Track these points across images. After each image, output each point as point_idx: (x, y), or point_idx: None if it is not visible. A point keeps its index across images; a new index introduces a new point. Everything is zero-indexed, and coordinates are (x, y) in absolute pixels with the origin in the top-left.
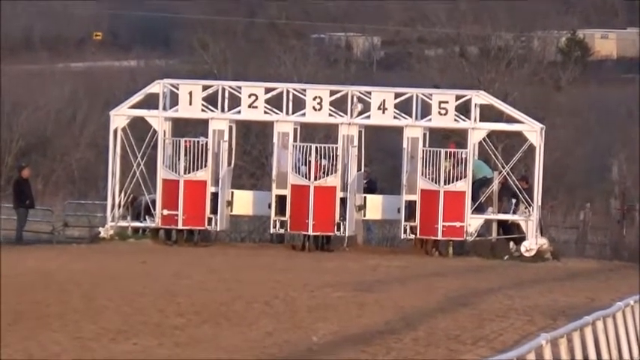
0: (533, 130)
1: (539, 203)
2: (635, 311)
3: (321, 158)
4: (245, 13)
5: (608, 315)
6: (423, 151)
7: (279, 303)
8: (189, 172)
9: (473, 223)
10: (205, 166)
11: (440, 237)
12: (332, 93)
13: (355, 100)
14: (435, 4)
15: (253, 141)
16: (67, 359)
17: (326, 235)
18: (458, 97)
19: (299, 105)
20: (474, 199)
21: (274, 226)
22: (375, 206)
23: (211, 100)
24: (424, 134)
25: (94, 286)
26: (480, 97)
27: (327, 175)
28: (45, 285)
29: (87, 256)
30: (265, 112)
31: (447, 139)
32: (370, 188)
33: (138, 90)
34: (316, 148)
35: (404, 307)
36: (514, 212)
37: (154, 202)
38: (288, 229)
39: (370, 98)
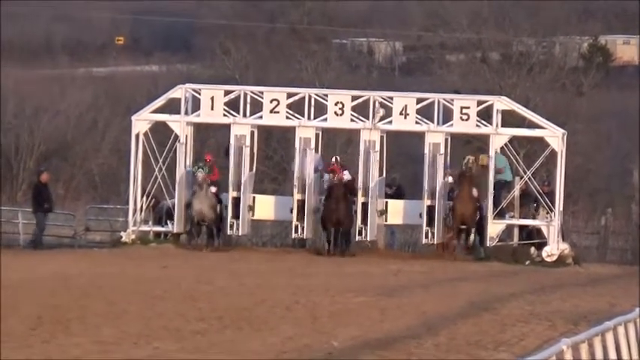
0: (554, 136)
1: (561, 208)
2: None
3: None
4: (266, 18)
5: (630, 320)
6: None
7: (300, 308)
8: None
9: (494, 228)
10: None
11: None
12: (354, 98)
13: (377, 105)
14: (456, 10)
15: (275, 146)
16: None
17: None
18: (479, 103)
19: (321, 110)
20: (496, 204)
21: (296, 231)
22: (397, 211)
23: (233, 105)
24: (446, 139)
25: (115, 291)
26: (501, 103)
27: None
28: (66, 289)
29: (108, 260)
30: (287, 117)
31: (469, 144)
32: (399, 194)
33: (159, 95)
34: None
35: (425, 312)
36: (534, 217)
37: (174, 206)
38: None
39: (392, 103)
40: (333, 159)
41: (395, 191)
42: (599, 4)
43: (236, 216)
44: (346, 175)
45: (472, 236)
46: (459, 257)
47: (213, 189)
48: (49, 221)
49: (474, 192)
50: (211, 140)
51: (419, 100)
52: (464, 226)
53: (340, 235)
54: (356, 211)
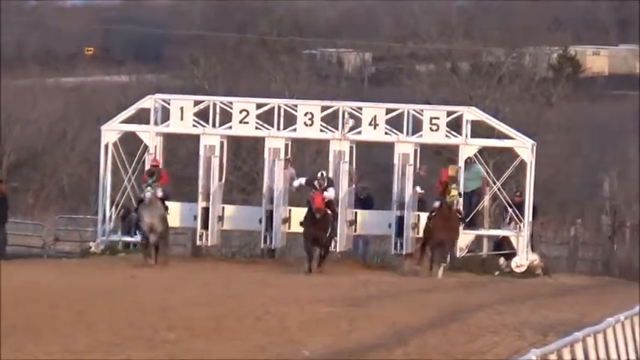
0: (524, 147)
1: (530, 219)
2: (625, 327)
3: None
4: (236, 29)
5: (599, 331)
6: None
7: (270, 318)
8: None
9: (464, 238)
10: None
11: None
12: (323, 109)
13: (346, 115)
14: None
15: (244, 156)
16: None
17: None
18: (449, 113)
19: (290, 120)
20: (466, 214)
21: (265, 241)
22: (366, 221)
23: (202, 116)
24: (415, 150)
25: (84, 301)
26: (471, 113)
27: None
28: (36, 299)
29: (78, 270)
30: (256, 128)
31: (439, 155)
32: (368, 204)
33: (129, 105)
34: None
35: (395, 323)
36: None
37: None
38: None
39: (361, 114)
40: (319, 174)
41: (364, 200)
42: (569, 14)
43: (205, 226)
44: (330, 194)
45: (447, 257)
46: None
47: (160, 193)
48: (18, 231)
49: (455, 213)
50: (181, 150)
51: (388, 111)
52: (440, 247)
53: (319, 253)
54: (334, 228)
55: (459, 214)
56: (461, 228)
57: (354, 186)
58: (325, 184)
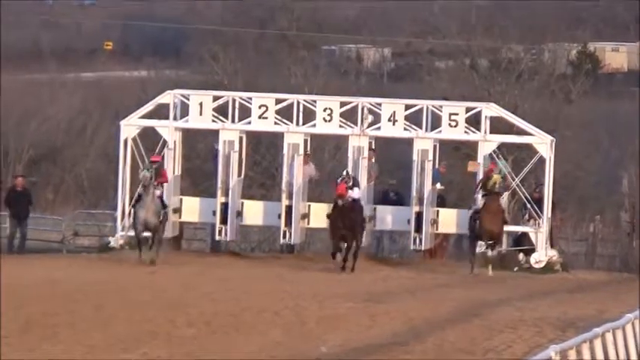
0: (543, 143)
1: (549, 215)
2: None
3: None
4: (255, 24)
5: (618, 327)
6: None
7: (288, 313)
8: None
9: None
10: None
11: None
12: (342, 104)
13: (365, 111)
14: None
15: (263, 152)
16: None
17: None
18: (468, 109)
19: (309, 116)
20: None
21: (284, 237)
22: (385, 217)
23: (222, 111)
24: (434, 146)
25: (103, 296)
26: (490, 110)
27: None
28: (54, 294)
29: (97, 265)
30: (275, 123)
31: (457, 150)
32: (400, 202)
33: (148, 100)
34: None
35: (413, 319)
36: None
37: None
38: None
39: (380, 110)
40: (345, 173)
41: (395, 197)
42: (589, 11)
43: (224, 221)
44: (355, 193)
45: (494, 251)
46: (447, 264)
47: (158, 192)
48: (37, 226)
49: (502, 206)
50: (200, 145)
51: (407, 107)
52: (490, 242)
53: (350, 251)
54: (364, 221)
55: (503, 212)
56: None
57: (372, 183)
58: (351, 183)
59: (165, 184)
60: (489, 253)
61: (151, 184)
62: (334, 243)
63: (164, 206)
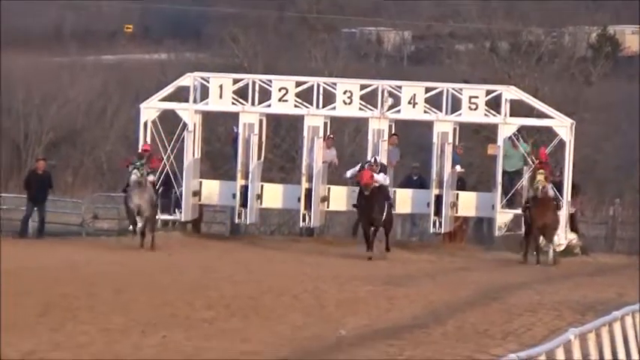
0: (563, 126)
1: (569, 199)
2: None
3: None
4: (276, 6)
5: (637, 310)
6: None
7: (308, 296)
8: None
9: (503, 217)
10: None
11: None
12: (362, 87)
13: (386, 94)
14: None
15: (283, 134)
16: (94, 350)
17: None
18: (488, 92)
19: (329, 99)
20: (506, 192)
21: (303, 220)
22: (405, 200)
23: (242, 94)
24: (454, 129)
25: (122, 279)
26: (510, 92)
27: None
28: (74, 277)
29: (116, 248)
30: (295, 106)
31: (477, 134)
32: (422, 185)
33: (168, 83)
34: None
35: (433, 302)
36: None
37: (182, 194)
38: None
39: (400, 93)
40: (373, 159)
41: (417, 180)
42: None
43: (244, 204)
44: (381, 178)
45: (551, 249)
46: (466, 247)
47: (151, 178)
48: (57, 208)
49: (552, 196)
50: (220, 129)
51: (427, 90)
52: (543, 234)
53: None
54: (392, 205)
55: (554, 201)
56: (559, 213)
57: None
58: (378, 169)
59: (155, 169)
60: (549, 248)
61: (143, 180)
62: (364, 229)
63: (155, 192)
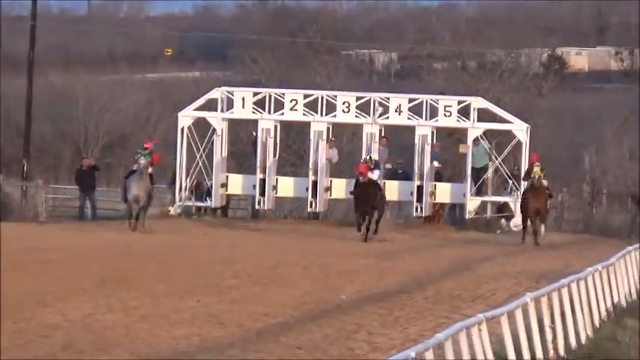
0: (520, 129)
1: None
2: (602, 275)
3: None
4: (287, 34)
5: (581, 278)
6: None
7: (314, 268)
8: None
9: (472, 203)
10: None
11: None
12: (358, 98)
13: (376, 104)
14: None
15: (294, 137)
16: (142, 312)
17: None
18: (460, 102)
19: (331, 108)
20: (475, 184)
21: (311, 206)
22: (393, 190)
23: (260, 104)
24: (432, 132)
25: (164, 255)
26: (477, 102)
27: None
28: (125, 254)
29: (159, 230)
30: (304, 114)
31: (451, 136)
32: (406, 177)
33: (200, 96)
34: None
35: (415, 272)
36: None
37: (212, 186)
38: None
39: (389, 103)
40: (368, 156)
41: (402, 174)
42: (557, 22)
43: (262, 194)
44: (375, 175)
45: (542, 228)
46: (442, 227)
47: (150, 169)
48: (110, 198)
49: (545, 185)
50: (242, 133)
51: (410, 100)
52: (536, 216)
53: (372, 221)
54: (383, 199)
55: (547, 190)
56: (549, 202)
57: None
58: (372, 166)
59: (154, 164)
60: (541, 228)
61: (145, 169)
62: (357, 217)
63: (152, 183)
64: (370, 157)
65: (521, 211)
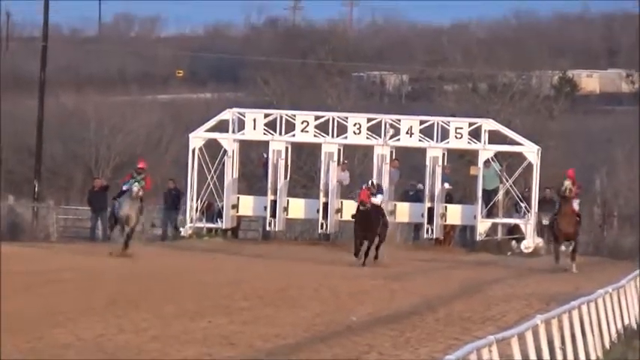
0: (531, 151)
1: (536, 210)
2: (613, 297)
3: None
4: (298, 55)
5: (591, 300)
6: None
7: (324, 290)
8: None
9: (482, 225)
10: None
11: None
12: (369, 120)
13: (387, 126)
14: (452, 48)
15: (305, 159)
16: (153, 333)
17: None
18: (470, 124)
19: (342, 130)
20: (487, 206)
21: (321, 228)
22: (404, 211)
23: (271, 126)
24: (443, 154)
25: (174, 277)
26: (488, 124)
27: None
28: (134, 275)
29: (169, 251)
30: (315, 136)
31: (462, 158)
32: (417, 198)
33: (211, 117)
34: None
35: (426, 294)
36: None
37: (223, 207)
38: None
39: (400, 125)
40: (370, 182)
41: (413, 195)
42: (568, 44)
43: (273, 215)
44: (378, 199)
45: (572, 247)
46: (453, 249)
47: (141, 193)
48: None
49: (575, 207)
50: (253, 154)
51: (422, 122)
52: (567, 241)
53: (373, 247)
54: (385, 225)
55: (577, 217)
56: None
57: (393, 187)
58: (375, 190)
59: (146, 189)
60: (569, 251)
61: (137, 196)
62: (355, 244)
63: (141, 207)
64: (372, 183)
65: (553, 235)
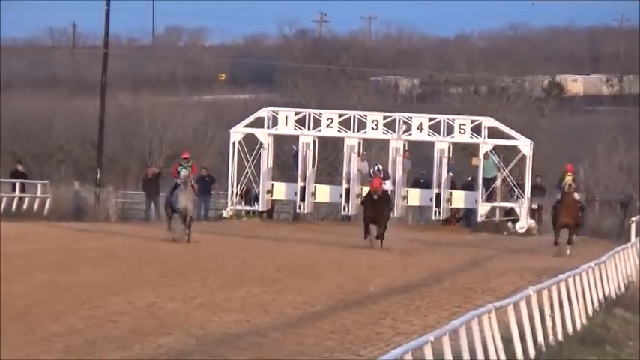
0: (524, 145)
1: (529, 196)
2: (595, 271)
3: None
4: (324, 62)
5: (577, 274)
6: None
7: (347, 263)
8: None
9: (483, 209)
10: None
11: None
12: (385, 117)
13: (401, 123)
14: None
15: (330, 151)
16: (199, 301)
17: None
18: (472, 121)
19: (362, 126)
20: (486, 192)
21: (344, 210)
22: (415, 196)
23: (301, 122)
24: (449, 147)
25: (218, 252)
26: (488, 122)
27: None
28: (183, 251)
29: (214, 230)
30: (338, 131)
31: (465, 150)
32: (426, 185)
33: (249, 115)
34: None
35: (434, 267)
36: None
37: (260, 192)
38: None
39: (411, 122)
40: (377, 168)
41: (424, 182)
42: (556, 52)
43: (302, 199)
44: (387, 186)
45: (574, 237)
46: (458, 229)
47: (192, 181)
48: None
49: (576, 198)
50: (285, 147)
51: (430, 119)
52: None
53: (378, 231)
54: (392, 209)
55: (579, 203)
56: (580, 215)
57: (405, 175)
58: (382, 176)
59: (194, 173)
60: (572, 238)
61: (188, 180)
62: (365, 227)
63: (196, 194)
64: (379, 168)
65: (552, 223)
